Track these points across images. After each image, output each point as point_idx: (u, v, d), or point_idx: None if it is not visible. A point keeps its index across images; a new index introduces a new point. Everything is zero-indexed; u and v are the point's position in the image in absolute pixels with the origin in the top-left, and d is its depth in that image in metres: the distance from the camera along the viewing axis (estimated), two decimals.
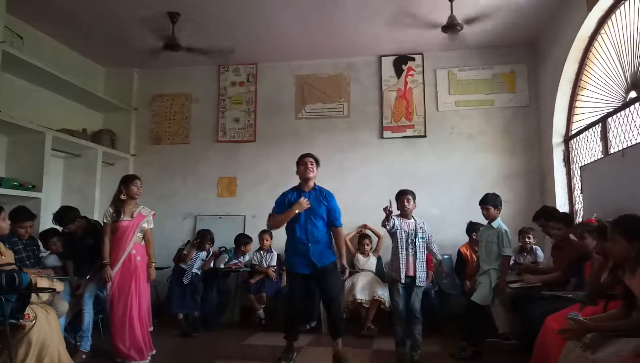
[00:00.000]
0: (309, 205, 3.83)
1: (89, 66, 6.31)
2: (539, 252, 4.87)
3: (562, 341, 2.64)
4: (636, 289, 2.19)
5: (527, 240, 4.87)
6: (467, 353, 4.06)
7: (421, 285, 3.92)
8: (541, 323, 3.18)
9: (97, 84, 6.39)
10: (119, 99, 6.37)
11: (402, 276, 3.88)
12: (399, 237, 3.93)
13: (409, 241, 3.93)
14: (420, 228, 4.00)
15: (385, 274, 5.38)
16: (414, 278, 3.89)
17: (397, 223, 3.92)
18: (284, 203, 3.93)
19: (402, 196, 4.00)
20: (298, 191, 3.96)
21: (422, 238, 3.98)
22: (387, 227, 3.90)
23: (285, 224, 3.92)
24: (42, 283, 3.19)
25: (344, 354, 3.78)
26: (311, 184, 3.95)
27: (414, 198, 4.02)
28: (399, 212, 4.02)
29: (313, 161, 3.93)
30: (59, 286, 3.39)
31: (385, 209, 3.79)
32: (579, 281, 3.66)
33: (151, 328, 4.19)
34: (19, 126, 4.74)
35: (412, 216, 4.02)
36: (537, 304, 3.62)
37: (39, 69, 4.95)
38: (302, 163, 3.93)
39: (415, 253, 3.92)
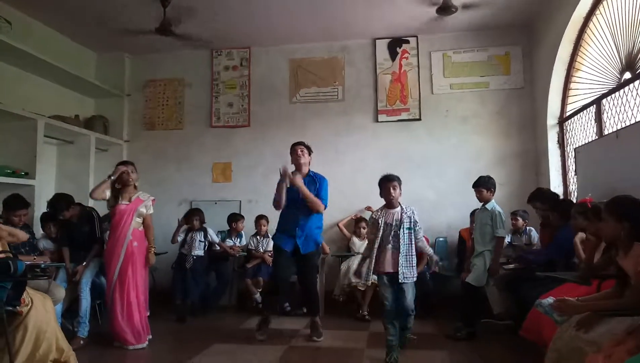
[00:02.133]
0: (300, 180, 4.00)
1: (80, 51, 6.22)
2: (533, 233, 4.91)
3: None
4: (629, 269, 2.21)
5: (514, 222, 4.91)
6: (462, 334, 4.11)
7: (406, 281, 3.44)
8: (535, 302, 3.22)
9: (89, 69, 6.32)
10: (111, 84, 6.31)
11: (368, 276, 3.66)
12: (380, 231, 3.48)
13: (392, 233, 3.46)
14: (408, 216, 3.48)
15: None
16: (395, 274, 3.43)
17: (380, 219, 3.51)
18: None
19: (388, 182, 3.53)
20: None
21: (409, 228, 3.47)
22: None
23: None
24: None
25: (318, 324, 4.19)
26: (305, 170, 4.12)
27: (400, 183, 3.56)
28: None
29: (304, 148, 4.13)
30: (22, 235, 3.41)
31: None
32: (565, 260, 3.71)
33: (148, 313, 4.22)
34: (10, 113, 4.69)
35: (399, 204, 3.55)
36: (532, 285, 3.67)
37: (29, 55, 4.87)
38: (293, 151, 4.14)
39: (399, 246, 3.43)
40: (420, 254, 3.87)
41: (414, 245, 3.49)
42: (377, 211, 3.62)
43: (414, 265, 3.48)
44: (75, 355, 3.27)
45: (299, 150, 4.12)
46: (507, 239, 5.12)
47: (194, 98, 6.44)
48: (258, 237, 5.57)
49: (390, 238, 3.46)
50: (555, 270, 3.75)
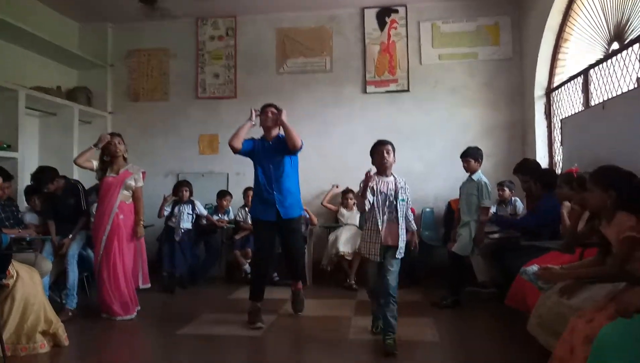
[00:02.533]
0: (253, 120, 3.83)
1: (61, 21, 6.03)
2: (519, 204, 4.97)
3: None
4: (612, 237, 2.25)
5: (500, 192, 4.97)
6: (448, 302, 4.20)
7: (400, 256, 3.22)
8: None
9: (71, 40, 6.14)
10: (94, 55, 6.15)
11: (377, 253, 3.21)
12: (375, 202, 3.22)
13: (387, 203, 3.23)
14: (402, 188, 3.27)
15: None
16: (394, 247, 3.20)
17: (374, 186, 3.22)
18: (249, 142, 3.89)
19: (382, 146, 3.29)
20: (262, 140, 3.93)
21: (404, 200, 3.26)
22: (364, 205, 3.18)
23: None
24: None
25: (300, 291, 4.03)
26: (274, 133, 3.89)
27: (395, 151, 3.35)
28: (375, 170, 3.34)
29: (274, 110, 3.87)
30: None
31: (367, 174, 3.14)
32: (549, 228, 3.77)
33: (148, 285, 4.26)
34: None
35: (392, 174, 3.33)
36: (516, 253, 3.74)
37: (9, 24, 4.71)
38: (264, 112, 3.89)
39: (397, 218, 3.21)
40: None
41: (406, 217, 3.30)
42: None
43: (405, 238, 3.27)
44: (63, 327, 3.29)
45: (269, 112, 3.85)
46: (493, 209, 5.19)
47: (179, 69, 6.32)
48: (246, 209, 5.56)
49: (386, 208, 3.22)
50: (539, 239, 3.81)
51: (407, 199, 3.30)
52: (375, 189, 3.22)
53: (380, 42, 5.97)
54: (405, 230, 3.25)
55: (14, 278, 3.07)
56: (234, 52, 6.21)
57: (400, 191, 3.25)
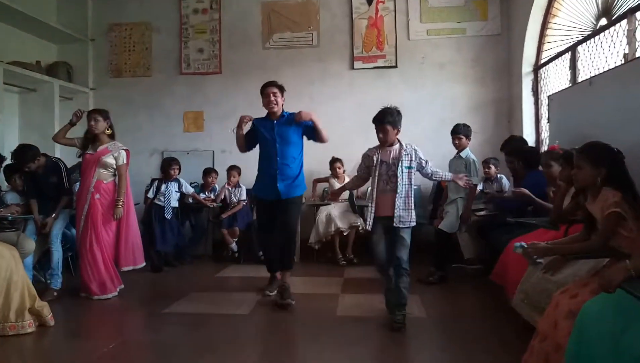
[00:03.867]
0: (248, 121, 3.85)
1: None
2: (504, 181, 4.98)
3: (523, 264, 2.77)
4: (597, 213, 2.26)
5: (486, 169, 4.97)
6: (434, 278, 4.24)
7: (402, 226, 3.14)
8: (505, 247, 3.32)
9: (50, 13, 5.93)
10: (74, 29, 5.97)
11: (369, 221, 3.21)
12: (376, 172, 3.21)
13: (389, 173, 3.19)
14: (407, 154, 3.19)
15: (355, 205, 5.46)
16: (391, 218, 3.15)
17: (375, 156, 3.25)
18: (251, 130, 3.92)
19: (378, 125, 3.23)
20: (266, 120, 3.88)
21: (408, 167, 3.17)
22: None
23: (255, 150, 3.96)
24: None
25: (287, 284, 3.78)
26: (278, 113, 3.84)
27: (395, 124, 3.21)
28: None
29: (276, 90, 3.79)
30: None
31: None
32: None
33: (142, 264, 4.24)
34: None
35: (398, 141, 3.26)
36: (503, 230, 3.76)
37: None
38: (265, 94, 3.79)
39: (396, 187, 3.14)
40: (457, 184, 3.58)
41: (413, 187, 3.21)
42: (372, 148, 3.31)
43: (412, 208, 3.17)
44: (49, 307, 3.26)
45: (271, 94, 3.76)
46: (479, 187, 5.21)
47: (162, 43, 6.17)
48: (230, 188, 5.52)
49: (387, 177, 3.17)
50: (524, 216, 3.84)
51: (419, 163, 3.23)
52: (375, 159, 3.21)
53: (368, 17, 5.87)
54: (407, 199, 3.15)
55: None
56: (219, 26, 6.07)
57: (404, 158, 3.17)
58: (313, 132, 3.82)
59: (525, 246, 2.50)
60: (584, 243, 2.37)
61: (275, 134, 3.77)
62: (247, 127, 3.89)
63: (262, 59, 5.99)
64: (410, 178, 3.19)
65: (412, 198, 3.19)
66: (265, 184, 3.83)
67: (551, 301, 2.20)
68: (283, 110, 3.86)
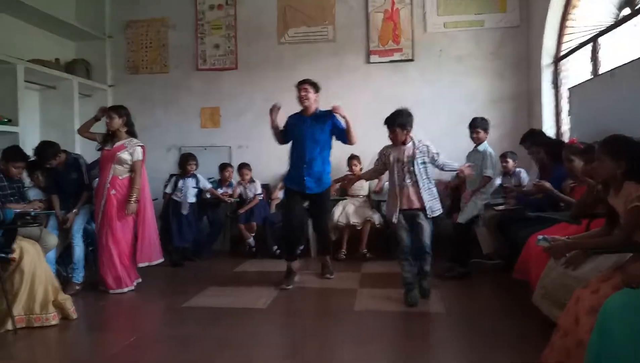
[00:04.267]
0: (278, 108, 3.99)
1: None
2: (523, 175, 4.92)
3: (544, 259, 2.74)
4: (619, 207, 2.22)
5: (504, 163, 4.92)
6: (454, 273, 4.20)
7: (434, 215, 3.48)
8: (525, 242, 3.28)
9: (68, 11, 5.99)
10: (92, 26, 6.03)
11: (396, 214, 3.47)
12: (393, 169, 3.50)
13: (405, 170, 3.45)
14: (420, 151, 3.45)
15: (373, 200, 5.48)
16: (421, 209, 3.44)
17: (391, 155, 3.52)
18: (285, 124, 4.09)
19: (389, 126, 3.50)
20: (300, 115, 4.05)
21: (424, 163, 3.46)
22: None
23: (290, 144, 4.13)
24: None
25: (328, 262, 4.33)
26: (311, 109, 3.98)
27: (404, 126, 3.45)
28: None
29: (308, 86, 3.94)
30: None
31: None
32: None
33: (160, 261, 4.29)
34: None
35: (411, 139, 3.50)
36: (522, 225, 3.71)
37: None
38: (298, 90, 3.97)
39: (417, 181, 3.43)
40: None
41: (432, 179, 3.53)
42: (388, 146, 3.59)
43: (437, 196, 3.53)
44: (71, 300, 3.33)
45: (302, 89, 3.95)
46: (498, 181, 5.15)
47: (179, 40, 6.20)
48: (243, 184, 5.55)
49: (404, 173, 3.44)
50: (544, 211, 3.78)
51: (431, 157, 3.47)
52: (392, 158, 3.49)
53: (384, 10, 5.82)
54: (431, 190, 3.47)
55: (20, 252, 3.12)
56: (234, 22, 6.08)
57: (418, 156, 3.43)
58: (344, 134, 3.97)
59: (549, 239, 2.46)
60: (606, 237, 2.34)
61: (306, 130, 3.85)
62: (278, 116, 4.00)
63: (277, 54, 6.00)
64: (427, 173, 3.48)
65: (435, 188, 3.53)
66: (294, 177, 4.02)
67: (572, 297, 2.17)
68: (317, 108, 3.99)
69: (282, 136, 4.08)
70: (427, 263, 3.54)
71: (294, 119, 4.05)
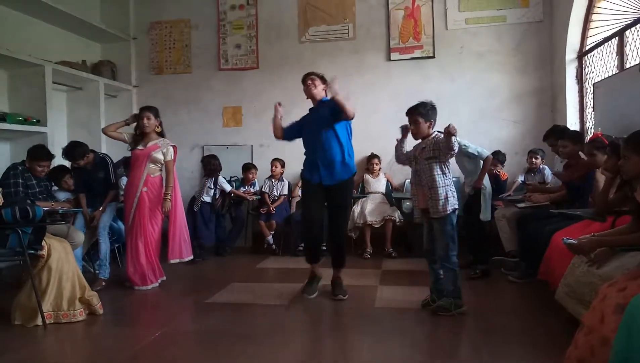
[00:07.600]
0: (280, 107, 3.95)
1: None
2: (547, 171, 4.87)
3: (568, 257, 2.70)
4: None
5: (534, 160, 4.86)
6: (477, 273, 4.16)
7: (435, 216, 3.14)
8: (549, 240, 3.23)
9: (93, 13, 6.14)
10: (117, 28, 6.17)
11: (418, 214, 3.39)
12: (412, 166, 3.35)
13: (417, 169, 3.29)
14: (430, 146, 3.19)
15: (392, 197, 5.47)
16: (427, 210, 3.22)
17: (413, 151, 3.34)
18: (293, 126, 3.98)
19: (409, 116, 3.31)
20: (310, 109, 3.97)
21: (428, 158, 3.17)
22: (399, 153, 3.42)
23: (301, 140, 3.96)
24: None
25: (341, 280, 3.82)
26: (317, 97, 3.86)
27: (427, 116, 3.22)
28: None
29: (314, 76, 3.85)
30: None
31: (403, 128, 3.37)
32: (583, 200, 3.66)
33: (190, 257, 4.35)
34: (17, 59, 4.63)
35: (432, 133, 3.26)
36: (545, 222, 3.66)
37: None
38: (304, 83, 3.90)
39: (421, 180, 3.23)
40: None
41: (437, 176, 3.13)
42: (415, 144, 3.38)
43: (440, 198, 3.11)
44: (98, 296, 3.41)
45: (308, 80, 3.86)
46: (521, 178, 5.10)
47: (201, 40, 6.29)
48: (272, 180, 5.61)
49: (417, 170, 3.27)
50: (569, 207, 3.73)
51: (437, 155, 3.13)
52: (412, 155, 3.34)
53: (404, 7, 5.80)
54: (432, 189, 3.13)
55: (48, 249, 3.20)
56: (255, 22, 6.13)
57: (427, 151, 3.18)
58: (339, 112, 3.63)
59: (575, 242, 2.43)
60: (634, 234, 2.29)
61: (314, 118, 3.81)
62: (281, 112, 3.95)
63: (298, 53, 6.03)
64: (432, 170, 3.14)
65: (443, 187, 3.12)
66: (309, 167, 3.83)
67: (598, 294, 2.14)
68: (323, 96, 3.87)
69: (287, 132, 3.95)
70: (445, 277, 3.19)
71: (306, 116, 3.96)
